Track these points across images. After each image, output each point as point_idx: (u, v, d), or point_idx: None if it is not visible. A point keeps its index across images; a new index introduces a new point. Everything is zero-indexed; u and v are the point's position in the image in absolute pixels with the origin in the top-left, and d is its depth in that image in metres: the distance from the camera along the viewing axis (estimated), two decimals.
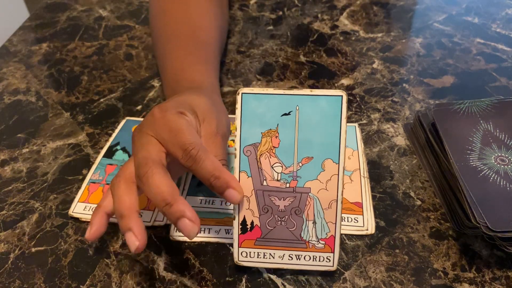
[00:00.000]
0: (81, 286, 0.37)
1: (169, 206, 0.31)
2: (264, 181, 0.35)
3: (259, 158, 0.34)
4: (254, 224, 0.35)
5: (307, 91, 0.34)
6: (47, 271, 0.38)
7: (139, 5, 0.79)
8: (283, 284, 0.36)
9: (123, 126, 0.53)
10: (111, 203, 0.34)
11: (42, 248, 0.40)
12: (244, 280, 0.37)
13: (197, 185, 0.44)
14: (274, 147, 0.34)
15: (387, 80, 0.58)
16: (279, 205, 0.35)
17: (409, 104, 0.54)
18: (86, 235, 0.34)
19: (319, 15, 0.73)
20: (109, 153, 0.49)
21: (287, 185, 0.35)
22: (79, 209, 0.43)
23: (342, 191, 0.34)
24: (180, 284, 0.37)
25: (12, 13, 1.57)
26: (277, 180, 0.35)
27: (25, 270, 0.39)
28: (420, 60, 0.62)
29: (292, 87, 0.58)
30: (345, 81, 0.58)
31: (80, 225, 0.42)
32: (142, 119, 0.54)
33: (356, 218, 0.41)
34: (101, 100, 0.58)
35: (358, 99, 0.55)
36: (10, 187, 0.46)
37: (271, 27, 0.71)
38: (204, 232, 0.40)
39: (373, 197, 0.43)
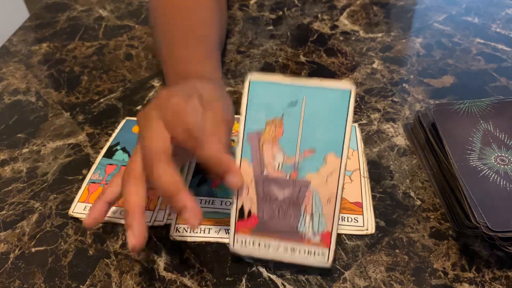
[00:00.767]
0: (81, 286, 0.37)
1: (172, 197, 0.32)
2: (265, 170, 0.35)
3: (262, 146, 0.34)
4: (252, 212, 0.35)
5: (316, 81, 0.33)
6: (47, 271, 0.38)
7: (139, 5, 0.79)
8: (283, 284, 0.36)
9: (123, 126, 0.53)
10: (113, 193, 0.35)
11: (42, 248, 0.40)
12: (244, 280, 0.37)
13: (197, 185, 0.44)
14: (277, 136, 0.34)
15: (387, 80, 0.58)
16: (277, 196, 0.35)
17: (409, 104, 0.54)
18: (84, 221, 0.35)
19: (319, 15, 0.73)
20: (109, 153, 0.49)
21: (288, 176, 0.34)
22: (79, 209, 0.43)
23: (343, 187, 0.34)
24: (180, 284, 0.37)
25: (12, 13, 1.57)
26: (278, 170, 0.34)
27: (25, 270, 0.39)
28: (420, 60, 0.62)
29: None
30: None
31: (80, 225, 0.42)
32: (137, 119, 0.54)
33: (356, 218, 0.41)
34: (101, 100, 0.58)
35: (358, 99, 0.55)
36: (10, 187, 0.46)
37: (271, 27, 0.71)
38: (204, 232, 0.40)
39: (373, 197, 0.43)
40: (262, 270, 0.38)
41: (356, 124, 0.51)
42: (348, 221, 0.41)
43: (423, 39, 0.66)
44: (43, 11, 0.79)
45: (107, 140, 0.51)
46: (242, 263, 0.38)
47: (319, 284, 0.36)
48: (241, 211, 0.35)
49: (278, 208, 0.35)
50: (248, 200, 0.35)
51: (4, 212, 0.44)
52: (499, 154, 0.41)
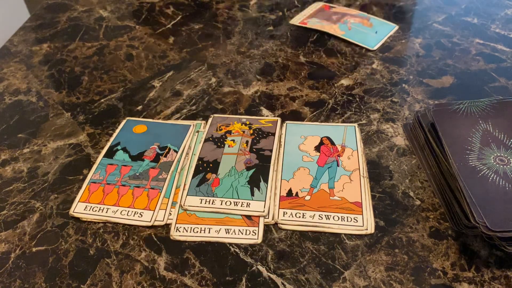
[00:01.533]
0: (81, 286, 0.37)
1: None
2: None
3: None
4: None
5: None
6: (47, 270, 0.39)
7: (139, 5, 0.79)
8: (283, 283, 0.37)
9: (123, 126, 0.53)
10: None
11: (43, 247, 0.40)
12: (244, 280, 0.37)
13: (197, 185, 0.45)
14: None
15: (387, 80, 0.58)
16: None
17: (409, 104, 0.54)
18: None
19: None
20: (110, 153, 0.49)
21: None
22: (80, 209, 0.43)
23: None
24: (180, 283, 0.37)
25: (12, 13, 1.57)
26: None
27: (25, 269, 0.39)
28: (420, 61, 0.62)
29: (292, 88, 0.58)
30: (345, 82, 0.59)
31: (81, 225, 0.42)
32: (142, 119, 0.54)
33: (355, 218, 0.41)
34: (102, 100, 0.58)
35: (357, 99, 0.55)
36: (11, 187, 0.46)
37: (271, 28, 0.71)
38: (204, 232, 0.40)
39: (373, 197, 0.43)
40: (262, 269, 0.38)
41: (355, 124, 0.51)
42: (347, 220, 0.41)
43: (423, 40, 0.66)
44: (43, 12, 0.79)
45: (107, 140, 0.51)
46: (242, 263, 0.38)
47: (319, 283, 0.36)
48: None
49: None
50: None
51: (5, 212, 0.44)
52: (498, 154, 0.41)
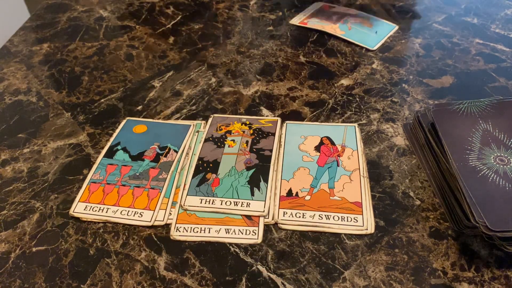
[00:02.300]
0: (81, 286, 0.37)
1: None
2: None
3: None
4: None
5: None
6: (47, 270, 0.39)
7: (139, 5, 0.79)
8: (283, 283, 0.37)
9: (123, 126, 0.53)
10: None
11: (43, 247, 0.40)
12: (244, 280, 0.37)
13: (197, 185, 0.45)
14: None
15: (387, 80, 0.58)
16: None
17: (409, 104, 0.54)
18: None
19: None
20: (110, 153, 0.49)
21: None
22: (80, 208, 0.43)
23: None
24: (180, 283, 0.37)
25: (12, 13, 1.57)
26: None
27: (26, 269, 0.39)
28: (420, 61, 0.62)
29: (292, 88, 0.58)
30: (345, 82, 0.59)
31: (81, 224, 0.42)
32: (142, 119, 0.54)
33: (355, 218, 0.41)
34: (102, 100, 0.58)
35: (357, 99, 0.56)
36: (11, 187, 0.46)
37: (271, 28, 0.71)
38: (204, 232, 0.40)
39: (373, 197, 0.43)
40: (262, 269, 0.38)
41: (355, 124, 0.51)
42: (347, 220, 0.41)
43: (423, 40, 0.66)
44: (44, 12, 0.79)
45: (107, 140, 0.51)
46: (242, 263, 0.38)
47: (319, 283, 0.36)
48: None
49: None
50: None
51: (5, 211, 0.44)
52: (498, 154, 0.41)
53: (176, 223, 0.41)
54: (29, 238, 0.41)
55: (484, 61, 0.61)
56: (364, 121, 0.52)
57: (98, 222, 0.42)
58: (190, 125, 0.52)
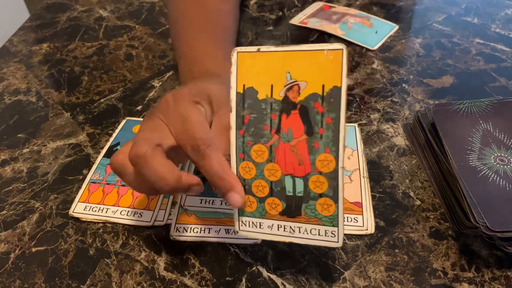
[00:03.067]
0: (81, 286, 0.37)
1: (174, 187, 0.31)
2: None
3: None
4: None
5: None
6: (47, 271, 0.38)
7: (139, 5, 0.79)
8: (283, 283, 0.37)
9: (123, 126, 0.53)
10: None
11: (43, 248, 0.40)
12: (244, 280, 0.37)
13: None
14: None
15: (387, 80, 0.58)
16: None
17: (409, 104, 0.54)
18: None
19: None
20: (110, 153, 0.49)
21: None
22: (80, 209, 0.43)
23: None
24: (180, 283, 0.37)
25: (12, 13, 1.57)
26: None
27: (25, 270, 0.39)
28: (420, 60, 0.62)
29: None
30: None
31: (81, 225, 0.42)
32: (142, 119, 0.54)
33: (355, 218, 0.41)
34: (102, 100, 0.58)
35: (357, 99, 0.55)
36: (11, 187, 0.46)
37: (271, 28, 0.71)
38: (204, 232, 0.40)
39: (373, 197, 0.43)
40: (262, 269, 0.38)
41: (355, 124, 0.51)
42: (348, 221, 0.41)
43: (423, 40, 0.66)
44: (43, 12, 0.79)
45: (107, 140, 0.51)
46: (242, 263, 0.38)
47: (319, 283, 0.36)
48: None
49: None
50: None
51: (4, 212, 0.44)
52: (499, 154, 0.41)
53: (176, 223, 0.41)
54: (28, 238, 0.41)
55: (484, 61, 0.61)
56: (364, 121, 0.52)
57: (98, 222, 0.42)
58: None
